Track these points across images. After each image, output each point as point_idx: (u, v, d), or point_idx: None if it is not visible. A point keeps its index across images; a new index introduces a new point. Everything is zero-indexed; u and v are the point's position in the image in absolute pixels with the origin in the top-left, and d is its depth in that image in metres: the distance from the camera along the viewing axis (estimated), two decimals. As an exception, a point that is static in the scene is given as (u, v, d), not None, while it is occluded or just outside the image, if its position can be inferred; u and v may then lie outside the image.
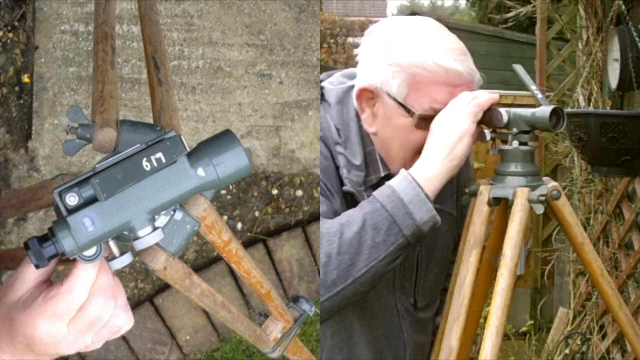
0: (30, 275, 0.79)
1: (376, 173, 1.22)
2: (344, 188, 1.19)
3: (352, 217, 1.09)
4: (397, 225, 1.07)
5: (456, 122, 1.11)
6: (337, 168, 1.20)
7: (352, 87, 1.22)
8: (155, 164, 0.74)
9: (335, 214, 1.13)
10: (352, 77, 1.24)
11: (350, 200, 1.18)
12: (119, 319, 0.81)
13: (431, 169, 1.11)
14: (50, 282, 0.81)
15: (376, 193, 1.10)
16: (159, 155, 0.74)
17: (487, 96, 1.14)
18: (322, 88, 1.27)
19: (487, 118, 1.15)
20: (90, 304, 0.78)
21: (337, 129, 1.21)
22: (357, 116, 1.22)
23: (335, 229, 1.08)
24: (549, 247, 3.28)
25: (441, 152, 1.11)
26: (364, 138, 1.22)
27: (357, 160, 1.20)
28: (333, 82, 1.28)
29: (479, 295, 1.24)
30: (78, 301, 0.77)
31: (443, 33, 1.18)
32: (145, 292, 2.57)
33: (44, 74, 2.57)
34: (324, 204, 1.17)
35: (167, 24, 2.64)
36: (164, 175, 0.75)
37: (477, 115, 1.12)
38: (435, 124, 1.13)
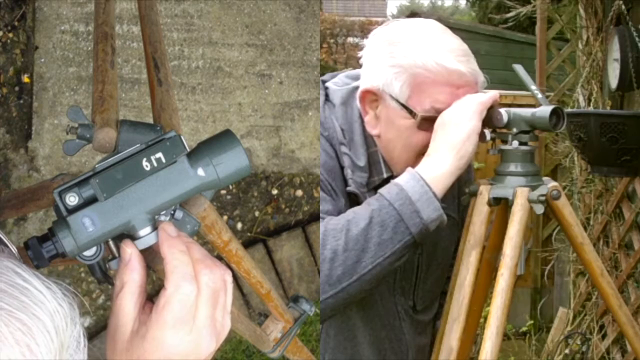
0: (129, 306, 0.73)
1: (379, 174, 1.21)
2: (348, 189, 1.19)
3: (359, 214, 1.09)
4: (405, 223, 1.07)
5: (463, 120, 1.11)
6: (342, 168, 1.20)
7: (356, 88, 1.22)
8: (155, 164, 0.74)
9: (340, 214, 1.13)
10: (356, 78, 1.24)
11: (354, 201, 1.18)
12: (225, 276, 0.74)
13: (439, 168, 1.10)
14: (149, 302, 0.74)
15: (383, 190, 1.10)
16: (159, 155, 0.74)
17: (489, 94, 1.14)
18: (326, 89, 1.27)
19: (487, 118, 1.15)
20: (203, 286, 0.71)
21: (342, 130, 1.21)
22: (361, 117, 1.22)
23: (342, 225, 1.08)
24: (549, 247, 3.28)
25: (449, 150, 1.10)
26: (368, 139, 1.22)
27: (361, 161, 1.20)
28: (338, 83, 1.28)
29: (479, 295, 1.24)
30: (191, 292, 0.71)
31: (446, 35, 1.18)
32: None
33: (44, 74, 2.57)
34: (328, 202, 1.17)
35: (167, 24, 2.64)
36: (164, 175, 0.75)
37: (482, 113, 1.12)
38: (440, 123, 1.12)
